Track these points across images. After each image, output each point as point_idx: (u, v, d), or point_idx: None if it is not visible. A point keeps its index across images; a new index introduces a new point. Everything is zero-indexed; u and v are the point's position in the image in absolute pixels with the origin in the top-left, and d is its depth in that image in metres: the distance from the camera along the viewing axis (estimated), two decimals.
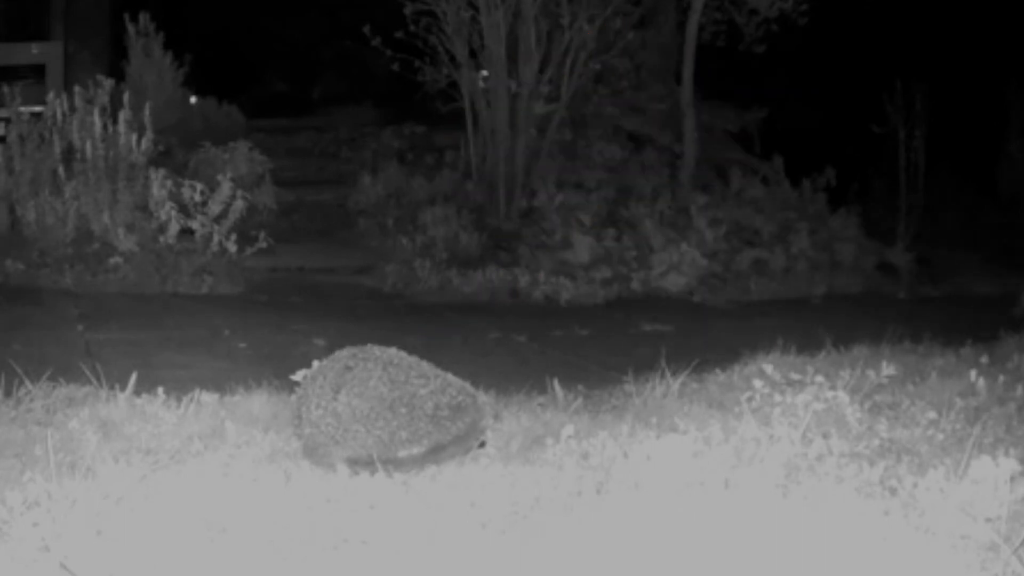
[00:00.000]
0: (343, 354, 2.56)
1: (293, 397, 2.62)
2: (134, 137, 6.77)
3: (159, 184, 6.49)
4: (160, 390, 3.06)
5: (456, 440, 2.53)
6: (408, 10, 8.89)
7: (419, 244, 7.99)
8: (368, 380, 2.46)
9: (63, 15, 10.85)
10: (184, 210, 6.53)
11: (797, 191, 9.33)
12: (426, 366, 2.57)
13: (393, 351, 2.56)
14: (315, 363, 2.61)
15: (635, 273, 7.63)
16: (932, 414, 2.89)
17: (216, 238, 6.55)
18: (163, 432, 2.82)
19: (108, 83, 6.99)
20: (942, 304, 7.28)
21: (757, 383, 2.87)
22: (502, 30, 8.65)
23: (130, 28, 9.90)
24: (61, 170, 6.63)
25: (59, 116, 6.78)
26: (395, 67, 9.29)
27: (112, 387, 3.13)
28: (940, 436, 2.75)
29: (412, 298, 7.09)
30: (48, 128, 6.80)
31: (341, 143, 10.85)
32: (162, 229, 6.48)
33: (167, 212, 6.44)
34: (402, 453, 2.45)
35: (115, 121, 6.78)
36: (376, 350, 2.55)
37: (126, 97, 6.98)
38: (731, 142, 10.81)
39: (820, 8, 9.29)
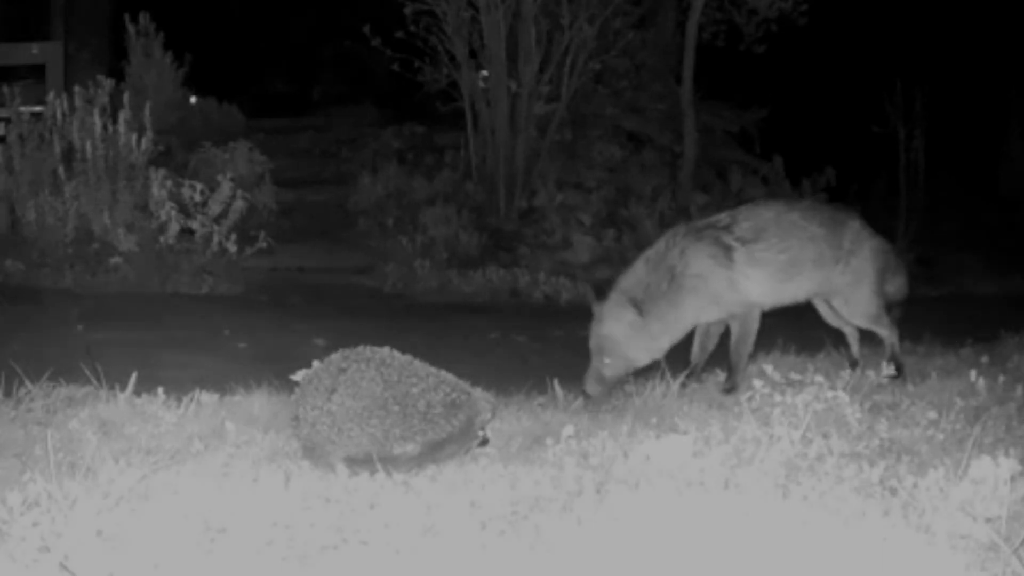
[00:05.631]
0: (337, 356, 2.57)
1: (292, 398, 2.63)
2: (134, 137, 6.78)
3: (159, 184, 6.50)
4: (160, 390, 3.06)
5: (452, 437, 2.53)
6: (408, 10, 8.91)
7: (419, 244, 8.00)
8: (361, 380, 2.47)
9: (63, 15, 10.86)
10: (184, 210, 6.53)
11: (797, 191, 9.35)
12: (419, 365, 2.58)
13: (386, 351, 2.57)
14: (315, 363, 2.61)
15: None
16: (932, 414, 2.89)
17: (216, 238, 6.55)
18: (163, 432, 2.82)
19: (108, 83, 7.01)
20: (942, 304, 7.27)
21: (757, 383, 2.86)
22: (502, 30, 8.65)
23: (130, 28, 9.91)
24: (61, 170, 6.64)
25: (59, 116, 6.79)
26: (395, 67, 9.30)
27: (112, 387, 3.13)
28: (940, 436, 2.75)
29: (412, 298, 7.09)
30: (48, 128, 6.81)
31: (341, 143, 10.86)
32: (162, 229, 6.48)
33: (167, 212, 6.44)
34: (397, 450, 2.45)
35: (115, 121, 6.79)
36: (369, 351, 2.56)
37: (126, 97, 6.99)
38: (731, 142, 10.82)
39: (820, 8, 9.29)
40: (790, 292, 3.59)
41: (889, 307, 3.81)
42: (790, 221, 3.55)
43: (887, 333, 3.76)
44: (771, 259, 3.50)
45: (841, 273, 3.60)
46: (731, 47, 9.73)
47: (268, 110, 12.52)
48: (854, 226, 3.64)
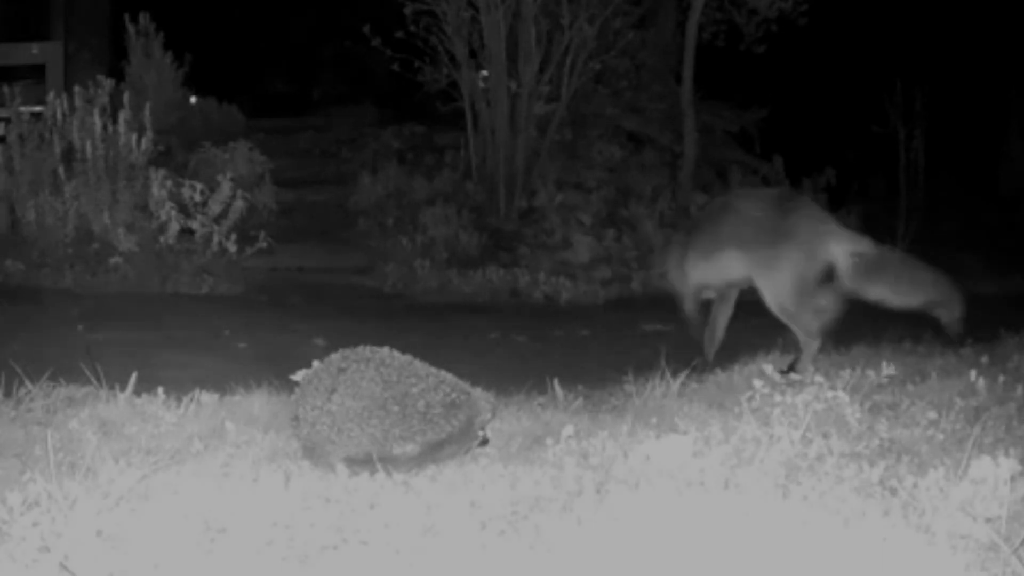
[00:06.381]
0: (336, 356, 2.58)
1: (292, 398, 2.63)
2: (134, 137, 6.78)
3: (159, 184, 6.50)
4: (160, 390, 3.06)
5: (452, 438, 2.53)
6: (408, 10, 8.91)
7: (419, 244, 8.00)
8: (361, 380, 2.47)
9: (63, 15, 10.86)
10: (184, 210, 6.54)
11: (798, 191, 9.34)
12: (419, 365, 2.58)
13: (386, 351, 2.57)
14: (315, 363, 2.61)
15: (635, 273, 7.64)
16: (932, 414, 2.89)
17: (216, 238, 6.56)
18: (163, 432, 2.82)
19: (108, 83, 7.02)
20: None
21: (757, 383, 2.87)
22: (502, 30, 8.65)
23: (130, 28, 9.92)
24: (61, 170, 6.65)
25: (59, 116, 6.80)
26: (395, 67, 9.31)
27: (112, 387, 3.13)
28: (940, 436, 2.75)
29: (412, 298, 7.09)
30: (48, 128, 6.82)
31: (341, 143, 10.86)
32: (162, 229, 6.49)
33: (167, 212, 6.45)
34: (397, 450, 2.46)
35: (115, 121, 6.79)
36: (368, 351, 2.56)
37: (126, 97, 7.00)
38: (731, 142, 10.82)
39: (820, 8, 9.29)
40: (724, 270, 3.98)
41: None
42: (730, 207, 4.07)
43: (804, 339, 3.76)
44: (700, 243, 4.05)
45: (771, 257, 3.71)
46: (731, 47, 9.73)
47: (268, 110, 12.52)
48: (804, 213, 3.76)
